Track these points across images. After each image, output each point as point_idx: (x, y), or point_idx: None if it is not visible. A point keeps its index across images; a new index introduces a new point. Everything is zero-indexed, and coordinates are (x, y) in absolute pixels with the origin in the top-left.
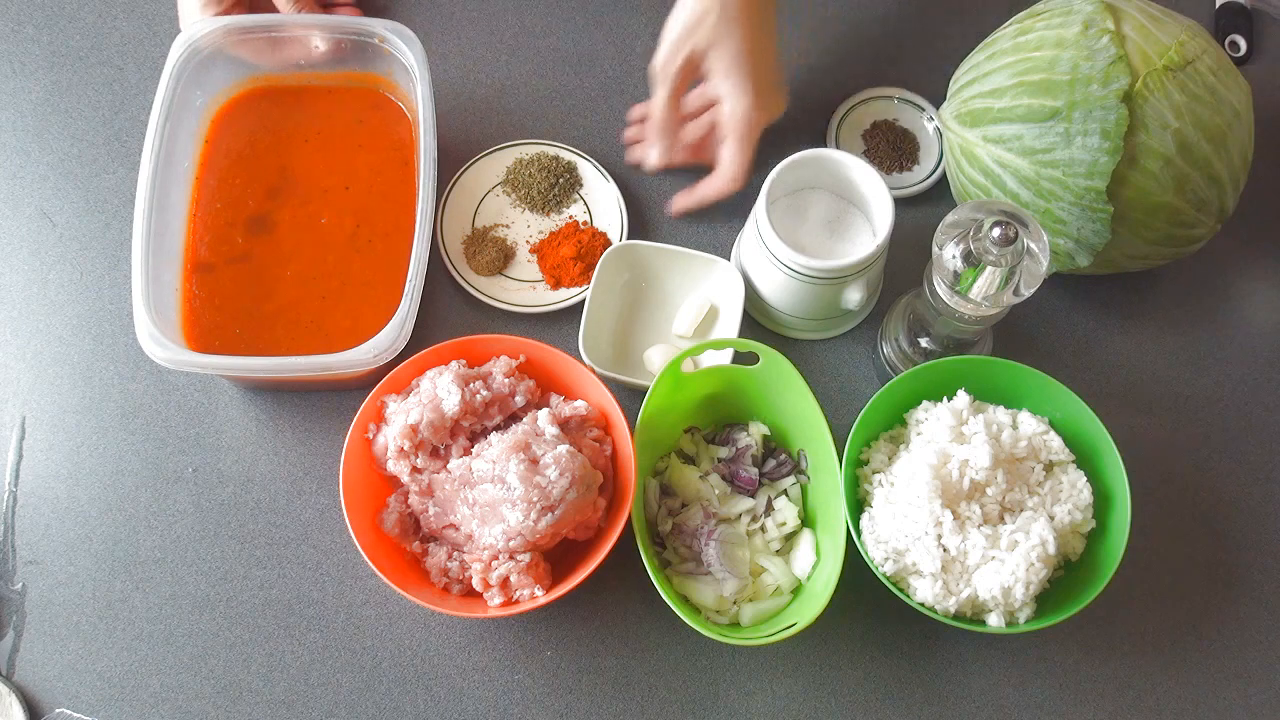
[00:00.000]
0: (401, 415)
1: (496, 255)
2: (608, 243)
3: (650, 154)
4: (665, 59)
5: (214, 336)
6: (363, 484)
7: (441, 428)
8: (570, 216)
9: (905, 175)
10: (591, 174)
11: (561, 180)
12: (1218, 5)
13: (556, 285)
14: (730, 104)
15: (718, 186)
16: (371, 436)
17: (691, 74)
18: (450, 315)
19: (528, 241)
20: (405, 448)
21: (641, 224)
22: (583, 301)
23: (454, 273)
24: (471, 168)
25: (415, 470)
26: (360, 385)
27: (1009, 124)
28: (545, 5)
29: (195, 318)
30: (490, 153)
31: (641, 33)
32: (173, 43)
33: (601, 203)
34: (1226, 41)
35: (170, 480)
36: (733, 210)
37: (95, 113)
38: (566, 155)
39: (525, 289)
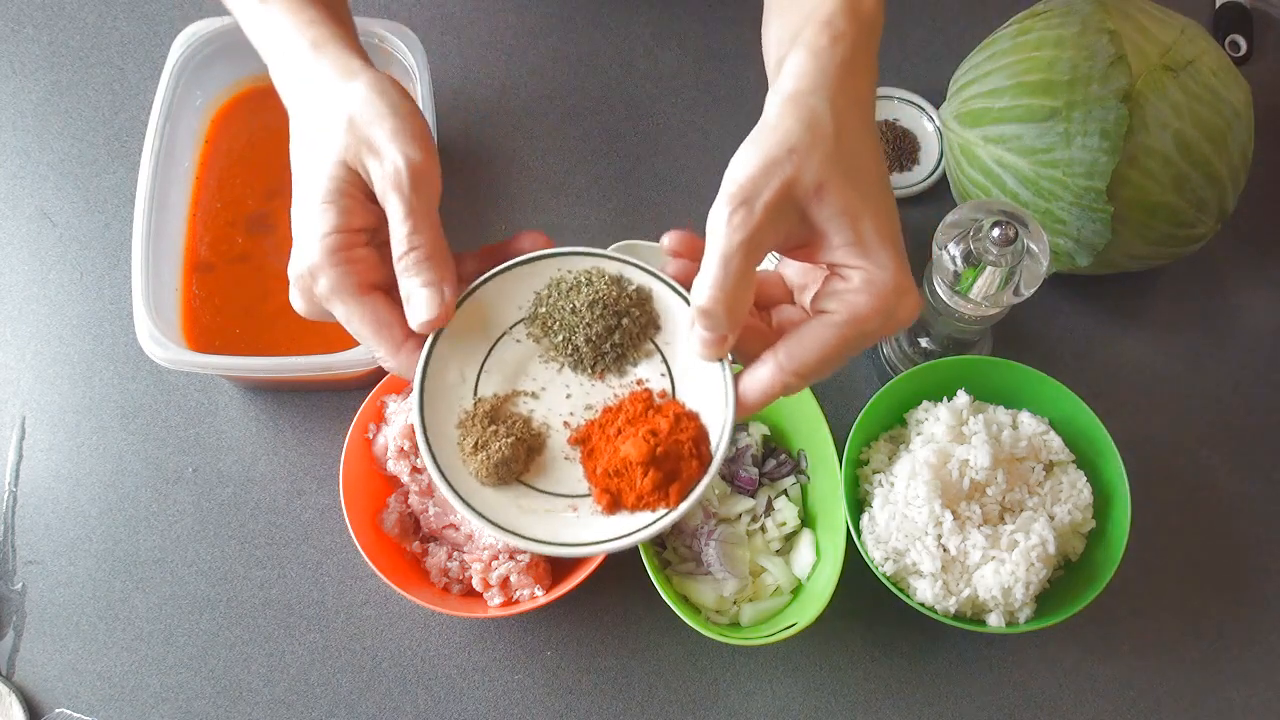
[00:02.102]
0: (401, 415)
1: (514, 448)
2: (700, 433)
3: (705, 346)
4: (743, 197)
5: (214, 336)
6: (363, 484)
7: None
8: (639, 380)
9: (905, 175)
10: (675, 308)
11: (627, 320)
12: (1218, 5)
13: (613, 508)
14: (872, 285)
15: (789, 384)
16: (371, 436)
17: (780, 226)
18: None
19: (566, 423)
20: (405, 448)
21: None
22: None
23: (440, 477)
24: (480, 292)
25: (415, 470)
26: (360, 385)
27: (1009, 124)
28: (545, 5)
29: (195, 318)
30: (511, 268)
31: (641, 33)
32: (173, 43)
33: (689, 360)
34: (1226, 41)
35: (170, 480)
36: None
37: (95, 113)
38: (635, 276)
39: (559, 510)
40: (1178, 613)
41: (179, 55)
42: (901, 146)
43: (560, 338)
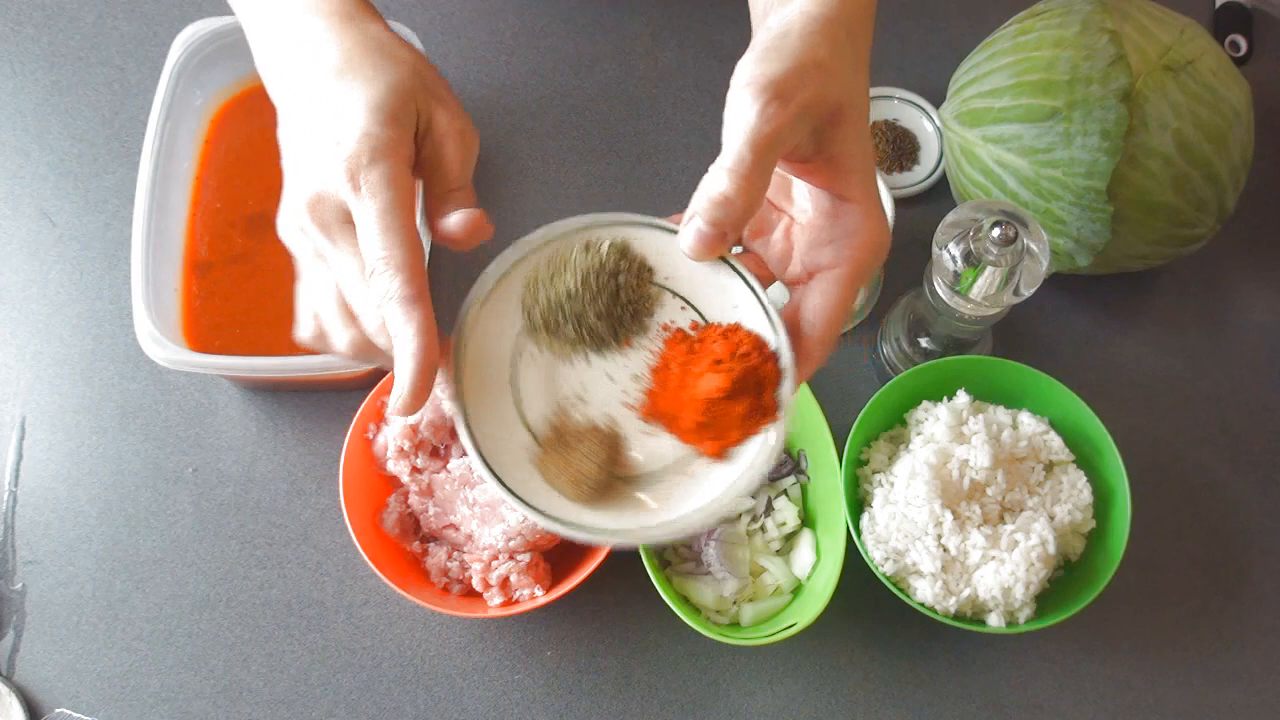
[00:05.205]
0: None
1: (605, 463)
2: (754, 339)
3: (699, 241)
4: (776, 90)
5: (214, 336)
6: (363, 484)
7: (441, 427)
8: (664, 325)
9: (905, 175)
10: (654, 243)
11: (622, 275)
12: (1218, 5)
13: (723, 450)
14: (868, 223)
15: (818, 355)
16: (371, 436)
17: (797, 133)
18: (450, 314)
19: (627, 405)
20: (405, 448)
21: None
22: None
23: (560, 524)
24: (471, 322)
25: (415, 470)
26: (360, 385)
27: (1009, 124)
28: (545, 5)
29: (195, 318)
30: (491, 285)
31: (640, 33)
32: (173, 43)
33: (699, 280)
34: (1226, 41)
35: (170, 480)
36: None
37: (95, 113)
38: (600, 234)
39: (676, 481)
40: (1177, 613)
41: (179, 55)
42: (901, 146)
43: (571, 330)
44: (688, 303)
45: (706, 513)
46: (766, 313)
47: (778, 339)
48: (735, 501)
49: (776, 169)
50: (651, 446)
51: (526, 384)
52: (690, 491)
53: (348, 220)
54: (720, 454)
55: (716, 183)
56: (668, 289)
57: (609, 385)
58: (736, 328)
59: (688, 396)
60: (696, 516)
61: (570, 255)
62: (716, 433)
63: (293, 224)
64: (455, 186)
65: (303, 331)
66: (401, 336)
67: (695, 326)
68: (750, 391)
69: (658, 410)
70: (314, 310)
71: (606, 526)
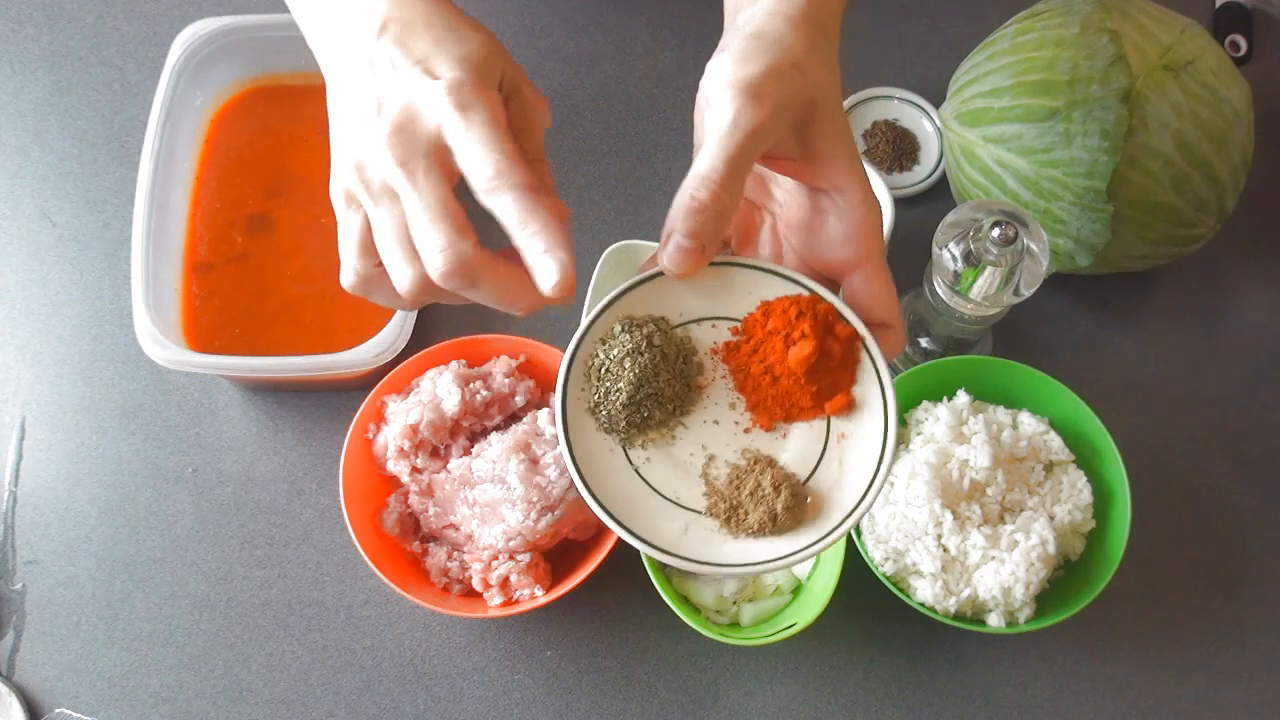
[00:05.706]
0: (401, 415)
1: (767, 475)
2: (799, 300)
3: (681, 256)
4: (752, 92)
5: (214, 336)
6: (363, 484)
7: (441, 428)
8: (712, 350)
9: (905, 175)
10: (654, 295)
11: (654, 335)
12: (1218, 5)
13: (846, 401)
14: (866, 208)
15: (894, 347)
16: (371, 436)
17: (777, 131)
18: (450, 315)
19: (746, 430)
20: (405, 448)
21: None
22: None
23: (770, 562)
24: (594, 484)
25: (415, 470)
26: (360, 385)
27: (1009, 124)
28: (545, 5)
29: (195, 318)
30: (565, 435)
31: (640, 32)
32: (173, 43)
33: (710, 294)
34: (1226, 41)
35: (170, 480)
36: None
37: (95, 113)
38: (612, 319)
39: (835, 454)
40: (1177, 613)
41: (179, 55)
42: (901, 146)
43: (658, 412)
44: (715, 319)
45: (890, 436)
46: (773, 272)
47: (799, 283)
48: (896, 412)
49: (758, 167)
50: (792, 446)
51: (667, 484)
52: (859, 446)
53: (434, 151)
54: (848, 403)
55: (689, 191)
56: (688, 322)
57: (719, 428)
58: (767, 304)
59: (788, 382)
60: (885, 448)
61: (600, 358)
62: (832, 388)
63: (350, 163)
64: (536, 156)
65: (345, 277)
66: (538, 219)
67: (736, 331)
68: (829, 334)
69: (773, 412)
70: (357, 253)
71: (842, 516)
